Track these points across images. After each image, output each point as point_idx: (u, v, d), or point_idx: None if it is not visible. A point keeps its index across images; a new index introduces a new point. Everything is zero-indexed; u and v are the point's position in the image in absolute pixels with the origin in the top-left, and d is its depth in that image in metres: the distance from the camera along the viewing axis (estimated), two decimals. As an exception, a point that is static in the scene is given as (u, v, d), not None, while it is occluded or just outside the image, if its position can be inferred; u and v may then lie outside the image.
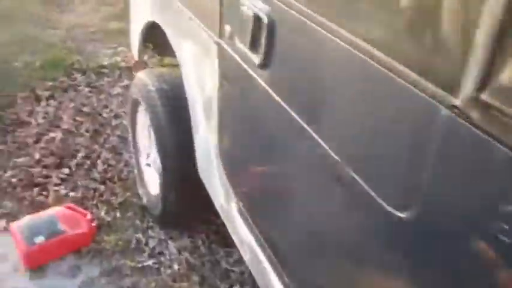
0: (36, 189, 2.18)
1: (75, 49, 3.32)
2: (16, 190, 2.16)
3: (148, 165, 2.22)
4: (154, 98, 1.82)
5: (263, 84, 1.05)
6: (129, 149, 2.45)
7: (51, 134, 2.52)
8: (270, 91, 1.03)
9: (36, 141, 2.48)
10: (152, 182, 2.15)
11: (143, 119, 2.15)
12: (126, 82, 3.05)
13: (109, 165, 2.40)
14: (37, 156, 2.37)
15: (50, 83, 2.91)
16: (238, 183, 1.37)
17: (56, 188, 2.21)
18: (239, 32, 1.11)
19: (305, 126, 0.92)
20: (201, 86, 1.49)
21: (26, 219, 1.88)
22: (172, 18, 1.65)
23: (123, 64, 3.22)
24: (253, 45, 1.04)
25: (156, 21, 1.83)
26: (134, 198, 2.20)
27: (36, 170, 2.30)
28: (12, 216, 2.02)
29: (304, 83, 0.93)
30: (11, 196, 2.13)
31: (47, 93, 2.83)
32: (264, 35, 0.99)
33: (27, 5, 3.89)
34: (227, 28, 1.19)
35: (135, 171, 2.27)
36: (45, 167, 2.33)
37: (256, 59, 1.03)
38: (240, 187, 1.37)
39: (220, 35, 1.24)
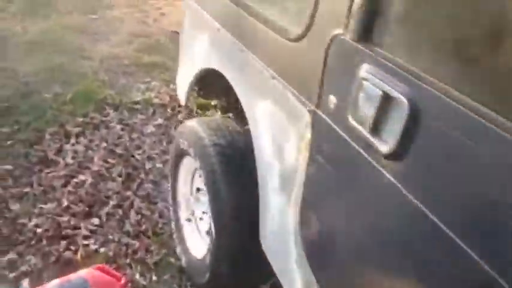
0: (63, 243, 1.95)
1: (108, 82, 3.16)
2: (42, 243, 1.94)
3: (189, 220, 2.01)
4: (210, 154, 1.62)
5: (387, 175, 0.84)
6: (166, 197, 2.25)
7: (81, 177, 2.32)
8: (398, 184, 0.82)
9: (65, 185, 2.28)
10: (195, 241, 1.92)
11: (187, 171, 1.95)
12: (159, 121, 2.87)
13: (142, 216, 2.18)
14: (65, 202, 2.16)
15: (81, 119, 2.73)
16: (324, 270, 1.15)
17: (86, 241, 1.98)
18: (353, 108, 0.91)
19: (443, 227, 0.72)
20: (279, 153, 1.28)
21: (55, 285, 1.65)
22: (246, 73, 1.47)
23: (156, 101, 3.04)
24: (379, 130, 0.84)
25: (219, 70, 1.65)
26: (171, 257, 1.98)
27: (64, 218, 2.08)
28: (36, 275, 1.80)
29: (454, 182, 0.73)
30: (36, 250, 1.91)
31: (77, 130, 2.65)
32: (401, 120, 0.79)
33: (60, 33, 3.78)
34: (331, 99, 0.99)
35: (172, 225, 2.06)
36: (73, 215, 2.11)
37: (384, 147, 0.83)
38: (325, 274, 1.14)
39: (319, 105, 1.05)
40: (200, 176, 1.87)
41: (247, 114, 1.47)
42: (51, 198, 2.19)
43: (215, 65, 1.69)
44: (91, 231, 2.05)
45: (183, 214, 2.03)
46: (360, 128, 0.89)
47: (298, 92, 1.16)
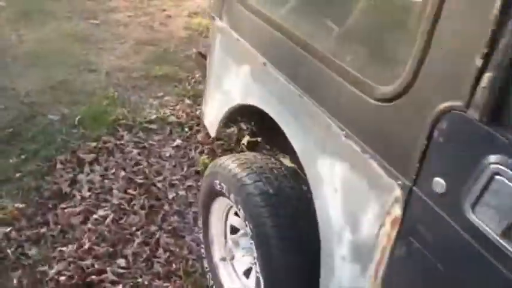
0: (90, 292, 1.80)
1: (118, 99, 2.96)
2: (66, 295, 1.78)
3: (224, 259, 1.86)
4: (257, 204, 1.44)
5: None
6: (193, 230, 2.10)
7: (100, 212, 2.14)
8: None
9: (84, 222, 2.10)
10: (231, 282, 1.78)
11: (221, 208, 1.78)
12: (178, 141, 2.68)
13: (171, 253, 2.02)
14: (86, 243, 1.98)
15: (93, 144, 2.53)
16: None
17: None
18: (477, 203, 0.75)
19: None
20: (352, 222, 1.12)
21: None
22: (305, 122, 1.29)
23: (172, 119, 2.85)
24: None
25: (262, 108, 1.48)
26: (207, 301, 1.83)
27: (87, 262, 1.91)
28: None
29: None
30: (61, 303, 1.75)
31: (90, 157, 2.46)
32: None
33: (60, 42, 3.55)
34: (439, 182, 0.82)
35: (205, 263, 1.90)
36: (97, 257, 1.94)
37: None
38: None
39: (418, 183, 0.88)
40: (236, 214, 1.72)
41: (307, 169, 1.30)
42: (70, 239, 2.02)
43: (257, 102, 1.51)
44: (118, 275, 1.89)
45: (216, 253, 1.87)
46: (485, 227, 0.74)
47: (386, 160, 0.99)
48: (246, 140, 2.00)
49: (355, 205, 1.14)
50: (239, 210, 1.56)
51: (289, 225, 1.43)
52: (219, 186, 1.64)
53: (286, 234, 1.41)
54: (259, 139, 2.27)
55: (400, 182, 0.95)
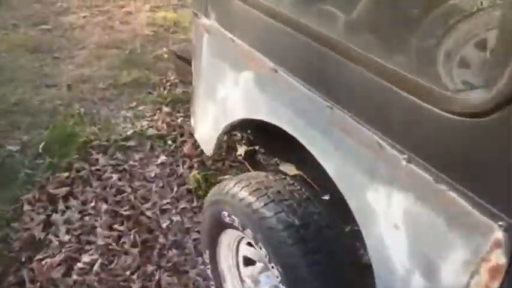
0: None
1: (85, 116, 2.57)
2: None
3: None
4: (283, 240, 1.16)
5: None
6: (196, 262, 1.82)
7: (85, 259, 1.81)
8: None
9: (67, 273, 1.76)
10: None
11: (231, 240, 1.50)
12: (162, 158, 2.35)
13: (176, 296, 1.73)
14: (74, 301, 1.67)
15: (64, 174, 2.17)
16: None
17: None
18: None
19: None
20: (428, 267, 0.86)
21: None
22: (340, 140, 1.00)
23: (151, 131, 2.50)
24: None
25: (275, 123, 1.18)
26: None
27: (78, 326, 1.60)
28: None
29: None
30: None
31: (63, 191, 2.09)
32: None
33: (9, 55, 3.09)
34: None
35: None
36: (88, 317, 1.63)
37: None
38: None
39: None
40: (249, 244, 1.44)
41: (349, 198, 1.02)
42: (53, 298, 1.69)
43: (267, 116, 1.21)
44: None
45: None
46: None
47: (476, 194, 0.73)
48: (243, 150, 1.71)
49: (427, 246, 0.89)
50: (260, 248, 1.27)
51: (329, 264, 1.16)
52: (228, 219, 1.35)
53: (326, 276, 1.14)
54: (256, 147, 1.97)
55: (502, 223, 0.70)
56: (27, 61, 3.06)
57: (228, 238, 1.51)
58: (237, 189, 1.30)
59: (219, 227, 1.45)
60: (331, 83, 0.98)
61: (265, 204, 1.22)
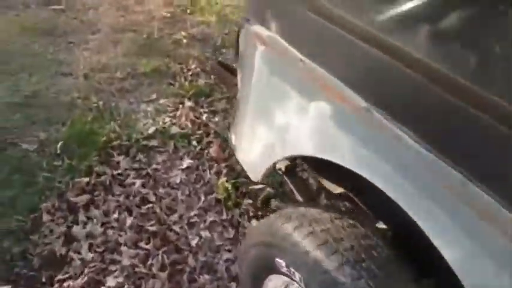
0: None
1: (104, 110, 2.39)
2: None
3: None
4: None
5: None
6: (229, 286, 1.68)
7: (110, 282, 1.67)
8: None
9: (91, 296, 1.65)
10: None
11: (280, 286, 1.33)
12: (187, 161, 2.18)
13: (208, 326, 1.61)
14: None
15: (85, 180, 2.02)
16: None
17: None
18: None
19: None
20: None
21: None
22: (444, 197, 0.80)
23: (175, 129, 2.32)
24: None
25: (363, 175, 0.96)
26: None
27: None
28: None
29: None
30: None
31: (83, 199, 1.95)
32: None
33: (21, 39, 2.88)
34: None
35: None
36: None
37: None
38: None
39: None
40: None
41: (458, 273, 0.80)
42: (78, 325, 1.58)
43: (348, 162, 0.98)
44: None
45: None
46: None
47: None
48: (283, 164, 1.52)
49: None
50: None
51: None
52: (285, 270, 1.17)
53: None
54: (297, 161, 1.77)
55: None
56: (40, 46, 2.84)
57: (276, 282, 1.34)
58: (299, 237, 1.11)
59: (268, 271, 1.29)
60: (459, 141, 0.74)
61: (339, 266, 1.03)
